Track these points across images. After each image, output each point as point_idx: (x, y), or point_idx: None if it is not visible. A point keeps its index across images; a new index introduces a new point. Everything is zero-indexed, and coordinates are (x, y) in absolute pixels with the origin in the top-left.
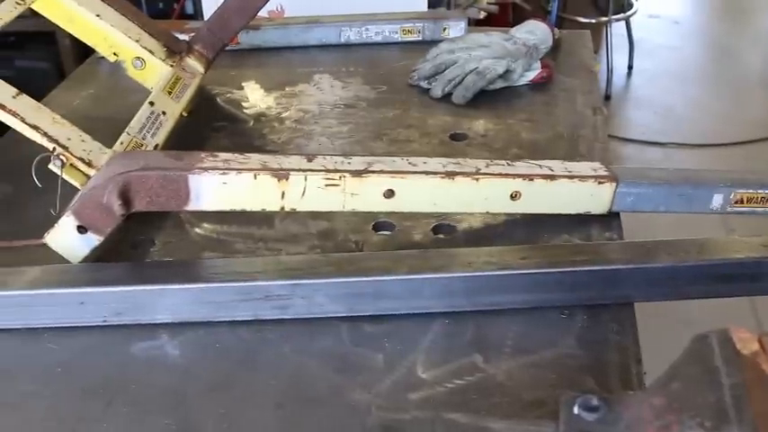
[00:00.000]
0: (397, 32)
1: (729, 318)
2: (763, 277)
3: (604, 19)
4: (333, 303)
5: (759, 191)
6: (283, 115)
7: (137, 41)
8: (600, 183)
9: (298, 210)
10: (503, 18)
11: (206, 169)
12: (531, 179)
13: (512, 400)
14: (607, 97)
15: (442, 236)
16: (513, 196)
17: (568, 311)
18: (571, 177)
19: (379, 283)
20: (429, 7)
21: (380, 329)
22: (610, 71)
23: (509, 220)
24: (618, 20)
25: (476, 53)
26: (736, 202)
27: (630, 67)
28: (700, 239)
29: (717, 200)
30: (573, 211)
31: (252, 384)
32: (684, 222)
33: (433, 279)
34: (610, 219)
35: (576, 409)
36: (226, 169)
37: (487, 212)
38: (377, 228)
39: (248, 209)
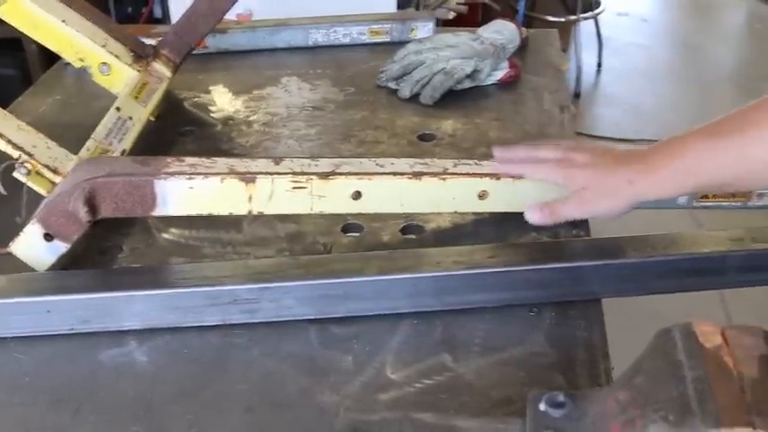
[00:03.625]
0: (364, 34)
1: (699, 311)
2: (730, 271)
3: (573, 17)
4: (301, 306)
5: None
6: (251, 119)
7: (102, 47)
8: None
9: (265, 213)
10: (472, 18)
11: (172, 174)
12: (498, 178)
13: (481, 398)
14: (576, 95)
15: (410, 236)
16: (481, 195)
17: (537, 309)
18: None
19: (347, 285)
20: (398, 8)
21: (349, 331)
22: (579, 69)
23: (477, 220)
24: (586, 18)
25: (443, 53)
26: (702, 197)
27: (599, 65)
28: (666, 235)
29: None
30: None
31: (221, 389)
32: (654, 218)
33: (401, 279)
34: None
35: (542, 406)
36: (192, 174)
37: (455, 212)
38: (345, 229)
39: (215, 213)
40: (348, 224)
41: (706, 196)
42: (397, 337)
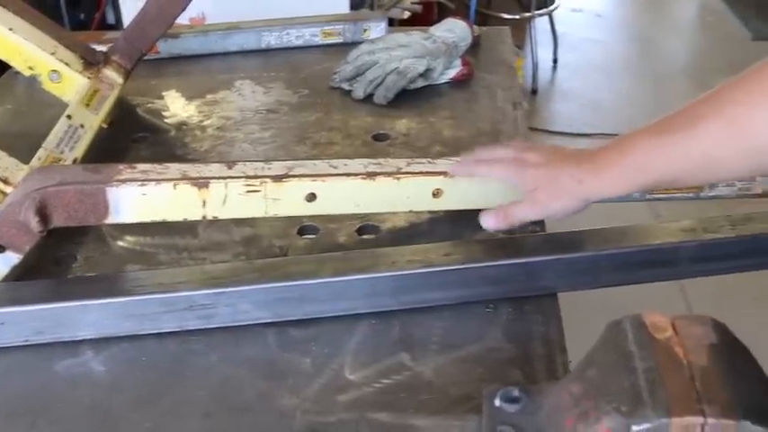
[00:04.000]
0: (317, 35)
1: (659, 302)
2: (682, 262)
3: (527, 14)
4: (258, 310)
5: None
6: (205, 123)
7: (52, 54)
8: None
9: (220, 217)
10: (427, 17)
11: (124, 181)
12: (452, 176)
13: (440, 396)
14: (533, 91)
15: (366, 236)
16: (435, 194)
17: (494, 305)
18: None
19: (303, 287)
20: (351, 9)
21: (307, 333)
22: (535, 66)
23: (433, 218)
24: (541, 15)
25: (396, 53)
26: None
27: (555, 61)
28: (619, 228)
29: None
30: (495, 205)
31: (179, 396)
32: (612, 211)
33: (357, 280)
34: None
35: (497, 402)
36: (144, 180)
37: (411, 211)
38: (301, 232)
39: (169, 219)
40: (304, 226)
41: None
42: (355, 337)
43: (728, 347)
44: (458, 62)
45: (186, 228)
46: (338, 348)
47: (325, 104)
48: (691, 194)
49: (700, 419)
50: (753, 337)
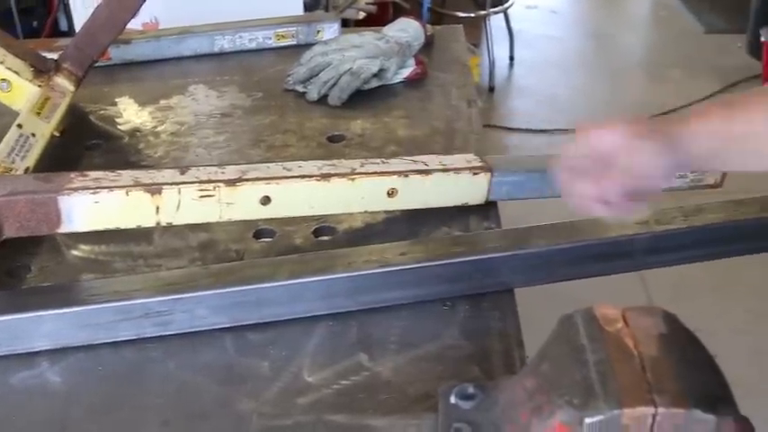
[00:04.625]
0: (270, 38)
1: (620, 294)
2: (636, 253)
3: (483, 12)
4: (215, 315)
5: None
6: (159, 129)
7: (0, 63)
8: (475, 174)
9: (174, 223)
10: (383, 17)
11: (76, 190)
12: (407, 175)
13: (399, 395)
14: (491, 89)
15: (323, 238)
16: (390, 193)
17: (451, 303)
18: (446, 170)
19: (259, 291)
20: (305, 10)
21: (265, 337)
22: (491, 63)
23: (389, 218)
24: (496, 12)
25: (349, 54)
26: None
27: (512, 59)
28: (573, 222)
29: None
30: (450, 204)
31: (136, 404)
32: (566, 205)
33: (314, 282)
34: (487, 208)
35: (453, 399)
36: (97, 188)
37: (366, 211)
38: (258, 235)
39: (123, 226)
40: (260, 229)
41: None
42: (313, 339)
43: (678, 337)
44: (411, 61)
45: (141, 235)
46: (296, 351)
47: (280, 107)
48: None
49: (651, 410)
50: (712, 325)
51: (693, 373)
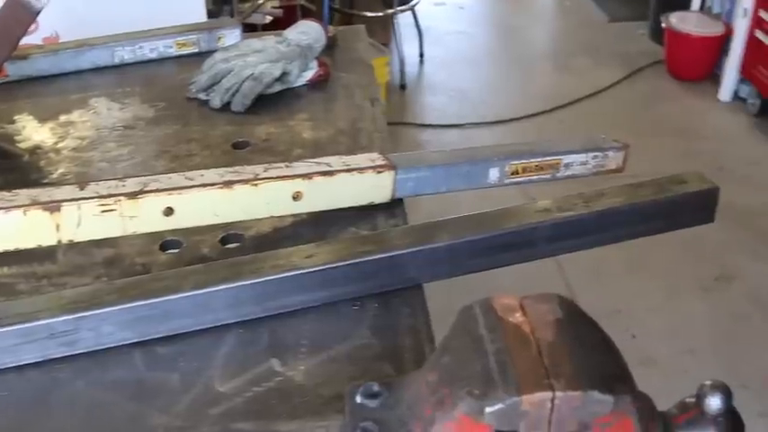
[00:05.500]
0: (171, 47)
1: (539, 282)
2: (540, 241)
3: (390, 11)
4: (122, 331)
5: (531, 160)
6: (60, 145)
7: None
8: (379, 172)
9: (76, 240)
10: (291, 20)
11: None
12: (311, 178)
13: (312, 398)
14: (402, 87)
15: (231, 246)
16: (295, 197)
17: (360, 302)
18: (350, 171)
19: (166, 303)
20: (209, 17)
21: (174, 350)
22: (402, 61)
23: (296, 221)
24: (403, 11)
25: (250, 59)
26: (512, 174)
27: (422, 56)
28: (477, 214)
29: (493, 174)
30: (357, 203)
31: (46, 427)
32: (487, 196)
33: (220, 291)
34: (393, 206)
35: (359, 398)
36: None
37: (272, 216)
38: (164, 247)
39: (23, 247)
40: (166, 241)
41: (516, 172)
42: (223, 348)
43: (574, 322)
44: (314, 64)
45: (44, 254)
46: (207, 361)
47: (183, 116)
48: (547, 176)
49: (549, 394)
50: (629, 306)
51: (589, 355)
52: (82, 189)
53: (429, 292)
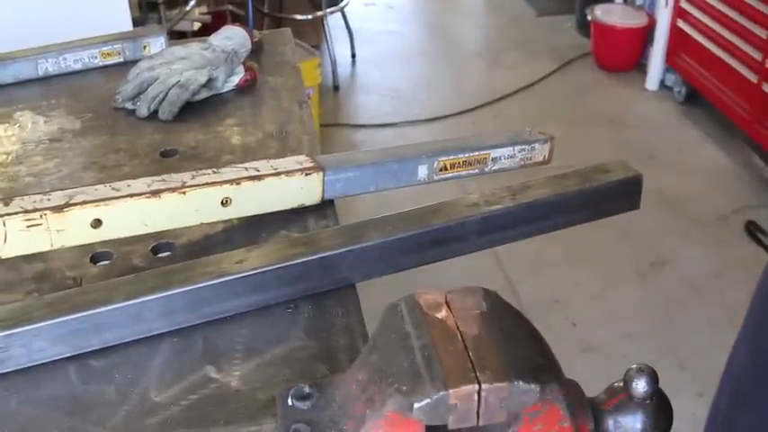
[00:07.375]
0: (96, 57)
1: (479, 276)
2: (470, 235)
3: (320, 13)
4: (54, 346)
5: (459, 155)
6: None
7: None
8: (307, 175)
9: (3, 257)
10: (220, 26)
11: None
12: (239, 183)
13: (248, 403)
14: (335, 88)
15: (162, 254)
16: (224, 203)
17: (293, 305)
18: (278, 174)
19: (97, 316)
20: (135, 26)
21: (108, 362)
22: (333, 63)
23: (227, 227)
24: (333, 12)
25: (176, 66)
26: (440, 170)
27: (354, 56)
28: (407, 211)
29: (422, 171)
30: (287, 206)
31: None
32: (424, 193)
33: (152, 300)
34: (324, 207)
35: (290, 401)
36: None
37: (203, 223)
38: (95, 259)
39: None
40: (96, 253)
41: (445, 168)
42: (158, 358)
43: (499, 314)
44: (240, 69)
45: None
46: (142, 372)
47: (110, 126)
48: (476, 170)
49: (475, 387)
50: (568, 296)
51: (515, 346)
52: (6, 205)
53: (371, 289)
